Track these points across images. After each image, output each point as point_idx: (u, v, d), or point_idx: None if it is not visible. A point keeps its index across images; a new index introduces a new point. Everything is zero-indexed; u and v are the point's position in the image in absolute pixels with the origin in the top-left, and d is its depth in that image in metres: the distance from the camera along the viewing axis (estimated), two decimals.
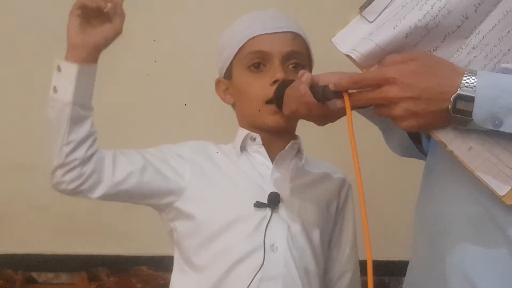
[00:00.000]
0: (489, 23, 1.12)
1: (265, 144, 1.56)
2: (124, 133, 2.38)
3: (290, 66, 1.54)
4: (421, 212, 1.33)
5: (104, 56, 2.35)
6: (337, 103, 1.24)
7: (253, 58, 1.54)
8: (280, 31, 1.55)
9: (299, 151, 1.59)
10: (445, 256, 1.22)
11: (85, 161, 1.40)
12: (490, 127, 1.08)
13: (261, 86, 1.51)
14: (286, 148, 1.54)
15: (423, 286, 1.29)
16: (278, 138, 1.56)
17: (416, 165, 1.39)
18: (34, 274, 2.38)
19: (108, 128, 2.35)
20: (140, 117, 2.40)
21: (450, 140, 1.13)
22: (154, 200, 1.52)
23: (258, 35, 1.54)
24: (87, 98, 1.39)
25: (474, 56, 1.13)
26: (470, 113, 1.08)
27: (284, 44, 1.54)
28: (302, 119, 1.47)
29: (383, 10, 1.17)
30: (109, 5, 1.33)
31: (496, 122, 1.07)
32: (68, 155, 1.38)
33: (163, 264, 2.33)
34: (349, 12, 1.21)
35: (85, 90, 1.37)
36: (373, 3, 1.18)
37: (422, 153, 1.40)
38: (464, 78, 1.08)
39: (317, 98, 1.28)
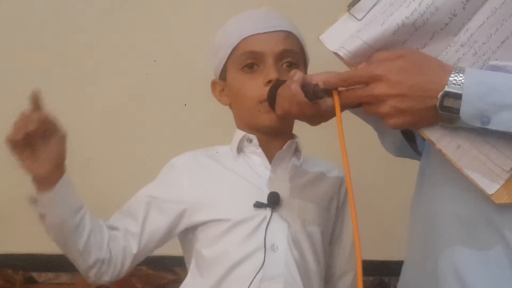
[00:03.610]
0: (478, 20, 1.12)
1: (263, 145, 1.55)
2: (124, 133, 2.39)
3: (284, 65, 1.53)
4: (415, 212, 1.32)
5: (104, 56, 2.38)
6: (327, 101, 1.25)
7: (246, 59, 1.53)
8: (273, 30, 1.54)
9: (297, 150, 1.58)
10: (438, 256, 1.21)
11: (106, 253, 1.45)
12: (478, 124, 1.07)
13: (255, 87, 1.51)
14: (284, 147, 1.54)
15: (417, 286, 1.29)
16: (275, 138, 1.56)
17: (418, 164, 1.38)
18: (34, 274, 2.38)
19: (108, 128, 2.38)
20: (140, 117, 2.40)
21: (439, 138, 1.13)
22: (172, 233, 1.55)
23: (251, 35, 1.54)
24: (75, 204, 1.41)
25: (463, 54, 1.12)
26: (457, 111, 1.07)
27: (277, 43, 1.53)
28: (294, 118, 1.48)
29: (371, 8, 1.17)
30: (33, 125, 1.31)
31: (484, 119, 1.06)
32: (88, 258, 1.43)
33: (163, 264, 2.33)
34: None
35: (69, 201, 1.40)
36: (361, 1, 1.17)
37: (416, 153, 1.39)
38: (452, 75, 1.08)
39: (309, 97, 1.28)
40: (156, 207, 1.52)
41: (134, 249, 1.49)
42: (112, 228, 1.50)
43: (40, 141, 1.33)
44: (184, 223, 1.52)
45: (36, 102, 1.32)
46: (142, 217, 1.51)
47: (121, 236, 1.48)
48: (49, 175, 1.35)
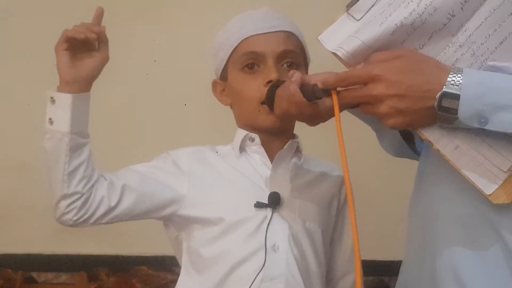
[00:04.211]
0: (476, 21, 1.12)
1: (264, 144, 1.56)
2: (124, 133, 2.40)
3: (285, 65, 1.53)
4: (414, 212, 1.32)
5: None
6: (326, 101, 1.24)
7: (247, 59, 1.53)
8: (273, 30, 1.54)
9: (298, 150, 1.58)
10: (436, 256, 1.21)
11: (88, 190, 1.42)
12: (475, 125, 1.07)
13: (255, 87, 1.51)
14: (284, 147, 1.54)
15: (415, 286, 1.29)
16: (276, 138, 1.55)
17: (416, 164, 1.38)
18: (34, 274, 2.38)
19: (108, 128, 2.38)
20: (140, 117, 2.40)
21: (437, 138, 1.13)
22: (156, 213, 1.52)
23: (251, 36, 1.54)
24: (84, 126, 1.41)
25: (461, 54, 1.12)
26: (455, 111, 1.07)
27: (277, 43, 1.53)
28: (293, 119, 1.48)
29: (370, 8, 1.17)
30: (92, 34, 1.37)
31: (482, 120, 1.06)
32: (70, 185, 1.39)
33: (163, 264, 2.34)
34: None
35: (82, 118, 1.40)
36: (359, 1, 1.17)
37: (415, 153, 1.39)
38: (450, 75, 1.08)
39: (307, 98, 1.28)
40: (152, 178, 1.51)
41: (112, 202, 1.45)
42: (102, 176, 1.47)
43: (84, 51, 1.39)
44: (172, 210, 1.51)
45: (99, 18, 1.41)
46: (133, 178, 1.50)
47: (105, 186, 1.45)
48: (75, 84, 1.37)
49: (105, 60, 1.41)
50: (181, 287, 1.54)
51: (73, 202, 1.40)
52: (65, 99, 1.37)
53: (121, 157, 2.37)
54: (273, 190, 1.50)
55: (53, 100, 1.38)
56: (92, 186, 1.42)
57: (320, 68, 1.36)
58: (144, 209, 1.50)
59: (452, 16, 1.11)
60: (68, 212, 1.41)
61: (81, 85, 1.38)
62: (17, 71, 2.39)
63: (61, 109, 1.37)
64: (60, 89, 1.38)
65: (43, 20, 2.39)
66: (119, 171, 1.52)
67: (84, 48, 1.38)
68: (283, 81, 1.41)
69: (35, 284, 2.38)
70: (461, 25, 1.12)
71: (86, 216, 1.42)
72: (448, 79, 1.07)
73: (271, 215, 1.48)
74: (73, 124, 1.37)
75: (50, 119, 1.38)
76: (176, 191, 1.51)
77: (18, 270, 2.36)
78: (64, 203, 1.40)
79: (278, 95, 1.39)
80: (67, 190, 1.39)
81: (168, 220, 1.55)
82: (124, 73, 2.39)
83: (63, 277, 2.39)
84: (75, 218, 1.42)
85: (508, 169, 1.09)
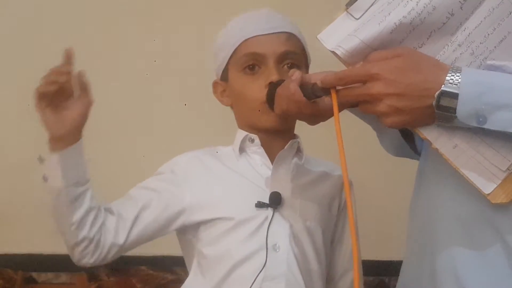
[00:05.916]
0: (475, 20, 1.12)
1: (265, 145, 1.55)
2: (124, 133, 2.40)
3: (286, 66, 1.53)
4: (414, 212, 1.32)
5: (105, 56, 2.38)
6: (326, 100, 1.24)
7: (248, 60, 1.53)
8: (274, 31, 1.54)
9: (298, 150, 1.58)
10: (436, 255, 1.21)
11: (96, 234, 1.43)
12: (474, 124, 1.07)
13: (256, 88, 1.51)
14: (285, 147, 1.53)
15: (415, 286, 1.29)
16: (277, 138, 1.55)
17: (417, 164, 1.38)
18: (34, 274, 2.38)
19: (108, 128, 2.38)
20: (140, 117, 2.40)
21: (435, 137, 1.13)
22: (167, 230, 1.53)
23: (252, 37, 1.54)
24: (80, 175, 1.39)
25: (460, 53, 1.12)
26: (454, 110, 1.07)
27: (278, 44, 1.53)
28: (293, 118, 1.47)
29: (369, 7, 1.17)
30: (64, 77, 1.31)
31: (480, 119, 1.06)
32: (78, 234, 1.41)
33: (163, 264, 2.34)
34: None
35: (75, 169, 1.38)
36: (359, 0, 1.17)
37: (415, 152, 1.39)
38: (449, 74, 1.08)
39: (307, 97, 1.28)
40: (156, 201, 1.51)
41: (121, 240, 1.46)
42: (108, 211, 1.47)
43: (65, 99, 1.34)
44: (181, 221, 1.51)
45: (68, 58, 1.31)
46: (139, 208, 1.50)
47: (113, 223, 1.46)
48: (66, 137, 1.35)
49: (90, 104, 1.36)
50: (186, 286, 1.55)
51: (86, 247, 1.43)
52: (53, 160, 1.36)
53: (121, 157, 2.38)
54: (274, 190, 1.50)
55: (41, 160, 1.38)
56: (100, 226, 1.44)
57: (320, 67, 1.36)
58: (155, 233, 1.52)
59: (451, 15, 1.11)
60: (84, 256, 1.44)
61: (70, 137, 1.36)
62: (17, 70, 2.39)
63: (52, 167, 1.36)
64: (51, 146, 1.36)
65: (44, 20, 2.39)
66: (122, 199, 1.53)
67: (65, 95, 1.33)
68: (283, 80, 1.41)
69: (35, 284, 2.38)
70: (460, 24, 1.12)
71: (102, 257, 1.45)
72: (447, 78, 1.07)
73: (272, 215, 1.48)
74: (67, 179, 1.36)
75: (44, 176, 1.38)
76: (178, 204, 1.51)
77: (18, 270, 2.36)
78: (77, 250, 1.43)
79: (278, 94, 1.39)
80: (76, 239, 1.41)
81: (182, 228, 1.55)
82: (124, 73, 2.39)
83: (63, 277, 2.39)
84: (91, 261, 1.45)
85: (507, 168, 1.09)
